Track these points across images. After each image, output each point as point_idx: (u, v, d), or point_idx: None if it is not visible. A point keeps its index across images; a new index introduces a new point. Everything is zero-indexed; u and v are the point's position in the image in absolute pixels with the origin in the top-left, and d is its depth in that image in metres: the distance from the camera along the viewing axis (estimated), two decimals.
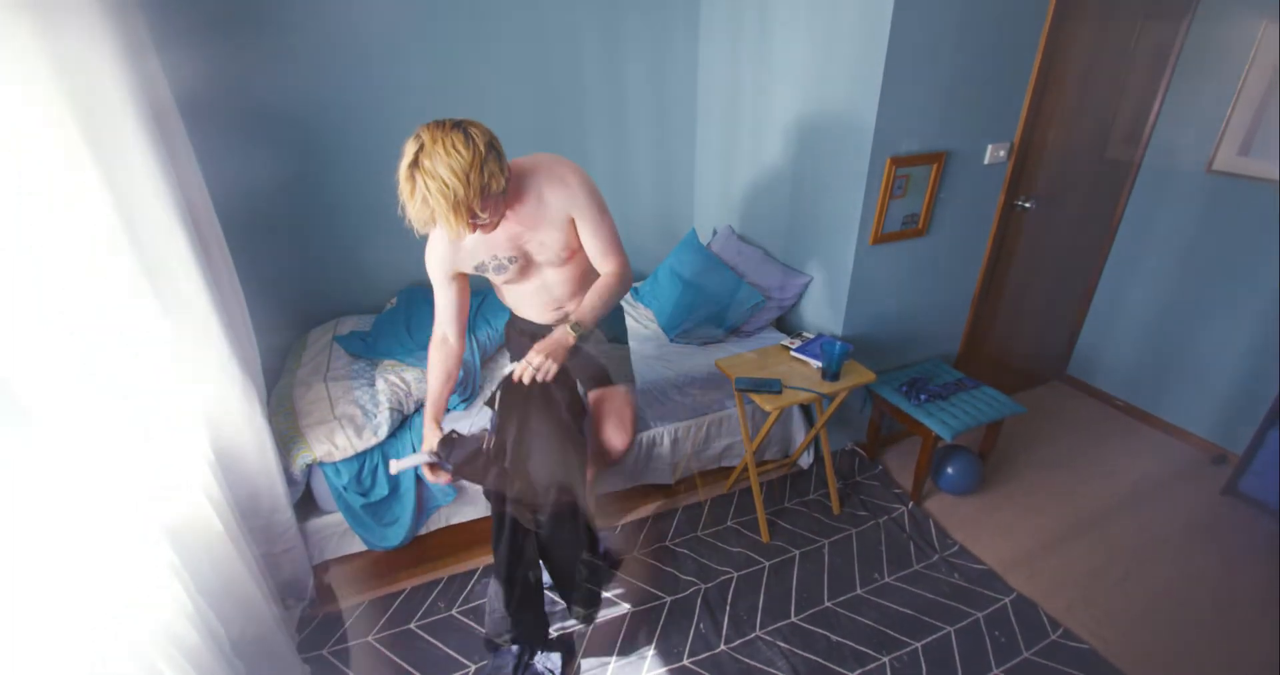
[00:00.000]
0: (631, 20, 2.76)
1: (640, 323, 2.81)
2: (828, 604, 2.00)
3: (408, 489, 2.04)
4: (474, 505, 2.19)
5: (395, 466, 1.58)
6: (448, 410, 2.13)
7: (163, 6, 1.53)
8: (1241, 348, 2.49)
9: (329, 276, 2.74)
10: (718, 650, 1.85)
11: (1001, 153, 2.30)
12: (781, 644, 1.86)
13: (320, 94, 2.42)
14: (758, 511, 2.26)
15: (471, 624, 1.94)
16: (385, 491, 2.00)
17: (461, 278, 1.61)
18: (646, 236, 3.23)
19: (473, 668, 1.81)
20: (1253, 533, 2.26)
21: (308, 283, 2.71)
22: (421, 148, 1.26)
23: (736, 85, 2.74)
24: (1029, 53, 2.15)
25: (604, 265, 1.61)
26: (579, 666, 1.81)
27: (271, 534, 1.85)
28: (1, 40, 1.06)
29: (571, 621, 1.88)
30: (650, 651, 1.85)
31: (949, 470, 2.40)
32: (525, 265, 1.60)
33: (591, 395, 1.88)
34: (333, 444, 1.93)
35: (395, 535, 2.04)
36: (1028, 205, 2.50)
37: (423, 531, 2.15)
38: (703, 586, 2.06)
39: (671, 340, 2.62)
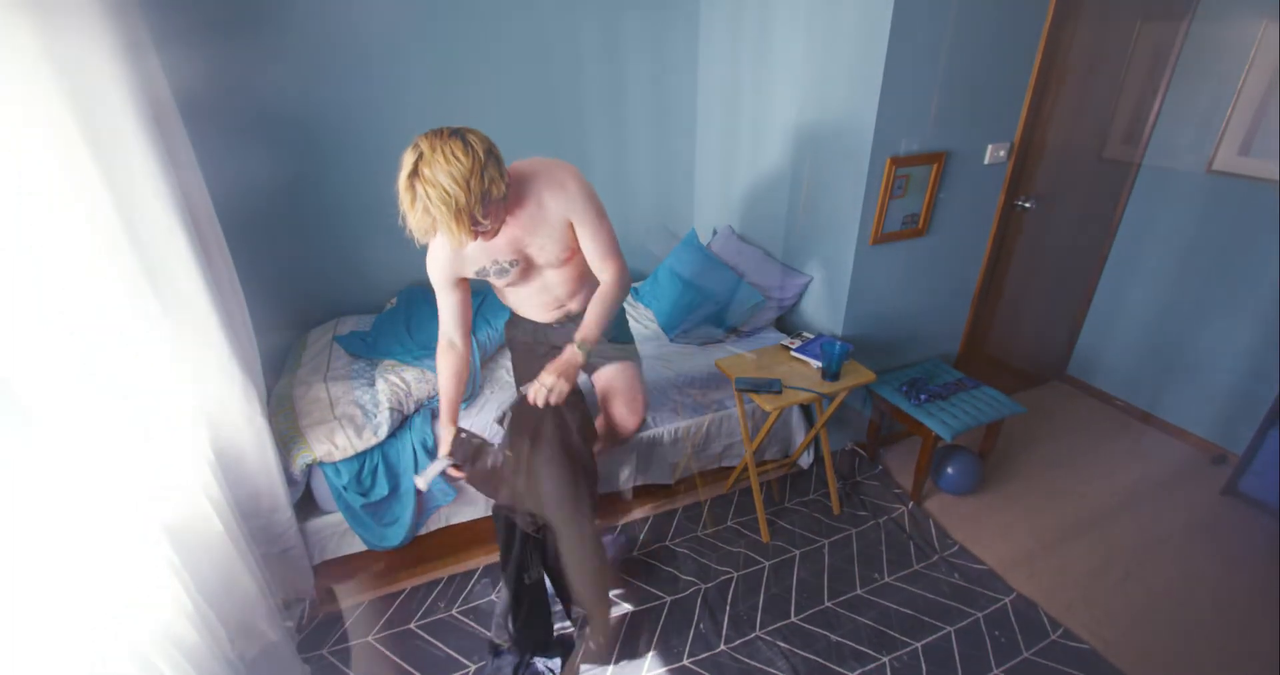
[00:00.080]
0: (631, 20, 2.76)
1: (640, 323, 2.81)
2: (828, 604, 2.00)
3: (408, 489, 2.04)
4: (474, 505, 2.19)
5: (421, 482, 1.62)
6: None
7: (162, 6, 1.53)
8: (1241, 348, 2.49)
9: (329, 276, 2.74)
10: (718, 650, 1.85)
11: (1001, 153, 2.30)
12: (781, 644, 1.86)
13: (320, 94, 2.42)
14: (758, 511, 2.26)
15: (471, 624, 1.94)
16: (385, 491, 2.00)
17: (463, 282, 1.62)
18: (646, 237, 3.23)
19: (473, 668, 1.81)
20: (1253, 533, 2.26)
21: (308, 283, 2.71)
22: (420, 157, 1.25)
23: (736, 85, 2.74)
24: (1029, 53, 2.15)
25: (603, 271, 1.61)
26: (579, 667, 1.80)
27: (271, 534, 1.85)
28: (1, 39, 1.06)
29: (567, 623, 1.88)
30: (650, 651, 1.85)
31: (949, 470, 2.40)
32: (526, 268, 1.60)
33: (598, 375, 1.87)
34: (333, 444, 1.93)
35: (395, 535, 2.04)
36: (1028, 205, 2.50)
37: (423, 531, 2.15)
38: (703, 586, 2.06)
39: (671, 340, 2.62)
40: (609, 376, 1.85)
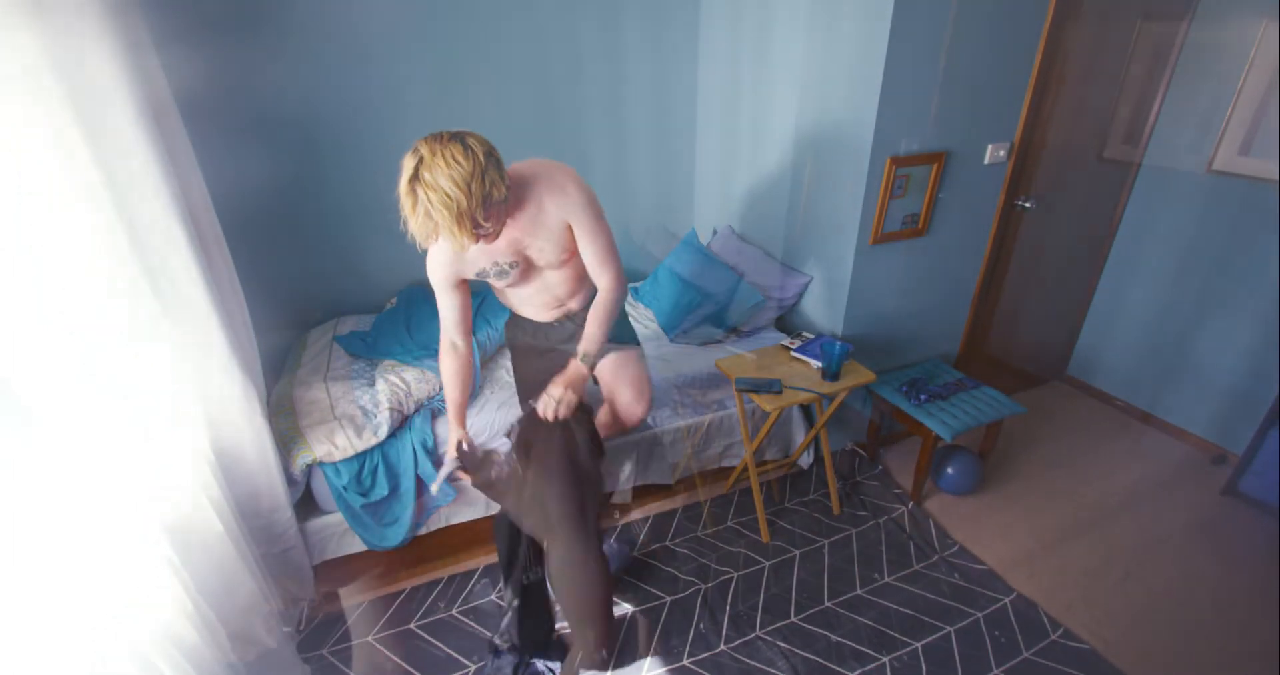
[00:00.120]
0: (631, 20, 2.76)
1: (640, 323, 2.81)
2: (828, 604, 2.00)
3: (408, 489, 2.04)
4: (474, 506, 2.19)
5: (434, 486, 1.67)
6: (445, 411, 2.14)
7: (162, 6, 1.53)
8: (1241, 348, 2.49)
9: (329, 276, 2.74)
10: (718, 650, 1.85)
11: (1001, 153, 2.30)
12: (781, 644, 1.86)
13: (320, 94, 2.42)
14: (758, 511, 2.26)
15: (471, 624, 1.94)
16: (385, 491, 2.00)
17: (464, 284, 1.62)
18: (646, 237, 3.23)
19: (472, 668, 1.81)
20: (1253, 533, 2.26)
21: (308, 283, 2.71)
22: (421, 161, 1.25)
23: (736, 85, 2.74)
24: (1029, 53, 2.15)
25: (600, 277, 1.62)
26: (577, 669, 1.80)
27: (271, 534, 1.85)
28: (1, 40, 1.06)
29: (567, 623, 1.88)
30: (650, 651, 1.85)
31: (949, 470, 2.40)
32: (526, 269, 1.61)
33: (602, 364, 1.86)
34: (333, 444, 1.93)
35: (395, 535, 2.04)
36: (1028, 205, 2.50)
37: (423, 531, 2.15)
38: (703, 586, 2.06)
39: (671, 340, 2.62)
40: (614, 364, 1.84)
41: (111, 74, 1.25)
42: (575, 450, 1.60)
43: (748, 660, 1.82)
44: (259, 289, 1.95)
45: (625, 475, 2.31)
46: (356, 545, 2.06)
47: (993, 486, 2.50)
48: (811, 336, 2.34)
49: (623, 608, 1.99)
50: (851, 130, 2.13)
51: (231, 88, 2.19)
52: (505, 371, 2.37)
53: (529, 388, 1.94)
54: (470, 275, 1.58)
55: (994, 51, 2.10)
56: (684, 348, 2.58)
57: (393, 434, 2.02)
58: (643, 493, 2.42)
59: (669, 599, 2.02)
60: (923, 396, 2.32)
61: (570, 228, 1.55)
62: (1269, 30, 2.22)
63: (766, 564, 2.15)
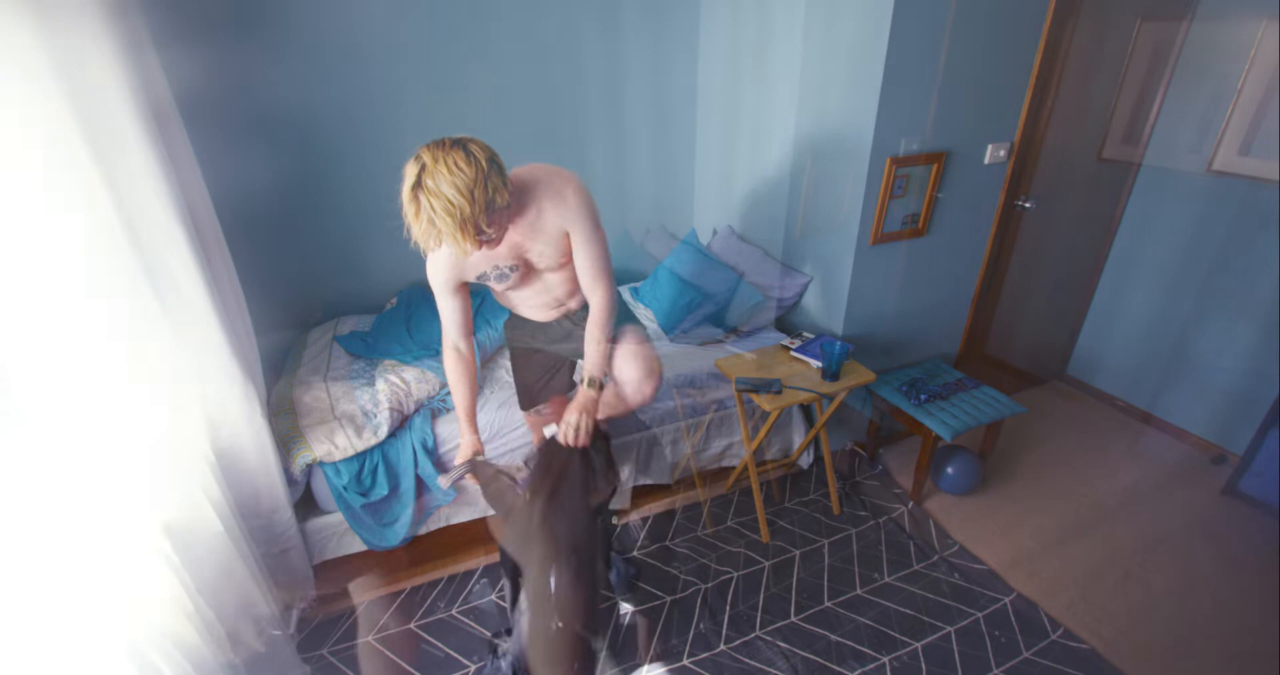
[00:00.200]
0: (631, 20, 2.76)
1: (640, 322, 2.80)
2: (828, 604, 2.00)
3: (407, 489, 2.04)
4: (473, 506, 2.19)
5: (444, 480, 1.66)
6: (445, 411, 2.15)
7: (162, 6, 1.53)
8: (1241, 348, 2.49)
9: (329, 276, 2.74)
10: (718, 650, 1.85)
11: (1001, 153, 2.30)
12: (781, 644, 1.86)
13: (320, 94, 2.42)
14: (758, 511, 2.26)
15: (471, 624, 1.94)
16: (385, 491, 2.00)
17: (464, 287, 1.62)
18: (646, 236, 3.23)
19: (472, 668, 1.81)
20: (1253, 533, 2.26)
21: (308, 283, 2.71)
22: (424, 168, 1.25)
23: (736, 85, 2.74)
24: (1029, 53, 2.15)
25: (592, 292, 1.62)
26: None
27: (271, 534, 1.85)
28: (1, 39, 1.06)
29: None
30: (650, 652, 1.85)
31: (949, 470, 2.39)
32: (526, 272, 1.61)
33: None
34: (333, 444, 1.93)
35: (395, 535, 2.04)
36: (1028, 205, 2.50)
37: (423, 531, 2.15)
38: (703, 586, 2.06)
39: (671, 340, 2.62)
40: (620, 345, 1.81)
41: (111, 73, 1.24)
42: (594, 479, 1.60)
43: (748, 660, 1.82)
44: (259, 289, 1.95)
45: (625, 475, 2.31)
46: (356, 545, 2.06)
47: (993, 486, 2.50)
48: (811, 336, 2.34)
49: (623, 607, 1.99)
50: (851, 130, 2.13)
51: (231, 88, 2.19)
52: (505, 371, 2.37)
53: (529, 388, 1.95)
54: (471, 278, 1.58)
55: (993, 51, 2.10)
56: (684, 348, 2.58)
57: (393, 434, 2.03)
58: (642, 493, 2.42)
59: (669, 599, 2.02)
60: (923, 396, 2.32)
61: (568, 234, 1.55)
62: (1269, 30, 2.22)
63: (766, 564, 2.15)
